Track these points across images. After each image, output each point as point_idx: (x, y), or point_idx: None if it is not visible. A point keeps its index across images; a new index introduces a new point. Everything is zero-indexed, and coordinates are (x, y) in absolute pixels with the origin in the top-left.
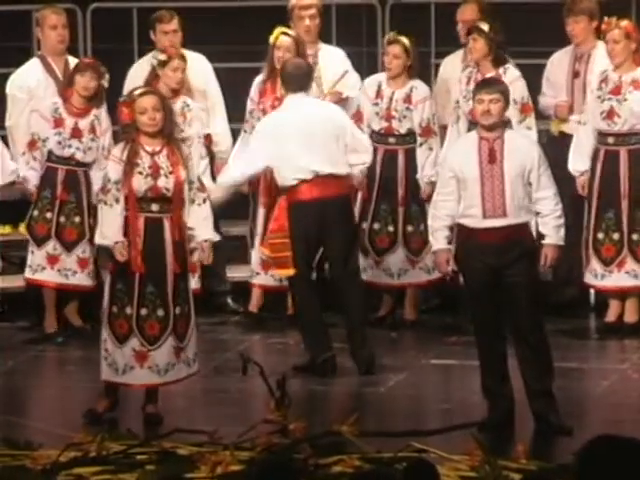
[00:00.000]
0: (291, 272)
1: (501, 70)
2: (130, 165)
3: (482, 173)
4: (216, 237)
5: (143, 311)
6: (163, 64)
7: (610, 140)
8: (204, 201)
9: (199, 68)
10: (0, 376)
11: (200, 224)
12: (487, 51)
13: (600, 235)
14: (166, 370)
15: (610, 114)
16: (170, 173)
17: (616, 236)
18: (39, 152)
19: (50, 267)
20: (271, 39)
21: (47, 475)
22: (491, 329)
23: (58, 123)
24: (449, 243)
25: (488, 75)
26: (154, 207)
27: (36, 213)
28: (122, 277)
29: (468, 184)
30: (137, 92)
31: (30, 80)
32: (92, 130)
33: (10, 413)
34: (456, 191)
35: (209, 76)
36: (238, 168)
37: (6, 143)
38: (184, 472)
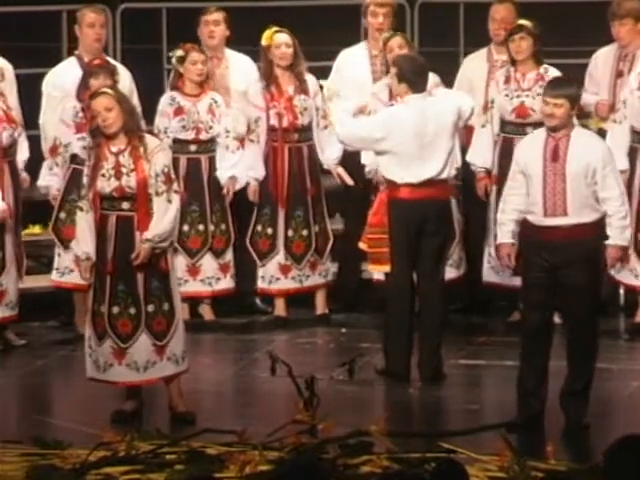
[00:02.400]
0: (386, 269)
1: (542, 70)
2: (95, 170)
3: (545, 171)
4: (151, 236)
5: (115, 309)
6: (182, 59)
7: None
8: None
9: (242, 69)
10: (30, 375)
11: (154, 222)
12: (533, 50)
13: None
14: (145, 367)
15: None
16: (132, 171)
17: None
18: (61, 158)
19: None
20: (264, 40)
21: (76, 474)
22: (539, 327)
23: (80, 128)
24: (514, 237)
25: (529, 75)
26: (125, 205)
27: (63, 215)
28: (98, 275)
29: (532, 181)
30: (93, 94)
31: (66, 79)
32: None
33: (40, 412)
34: (524, 186)
35: (251, 78)
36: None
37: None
38: (213, 472)
